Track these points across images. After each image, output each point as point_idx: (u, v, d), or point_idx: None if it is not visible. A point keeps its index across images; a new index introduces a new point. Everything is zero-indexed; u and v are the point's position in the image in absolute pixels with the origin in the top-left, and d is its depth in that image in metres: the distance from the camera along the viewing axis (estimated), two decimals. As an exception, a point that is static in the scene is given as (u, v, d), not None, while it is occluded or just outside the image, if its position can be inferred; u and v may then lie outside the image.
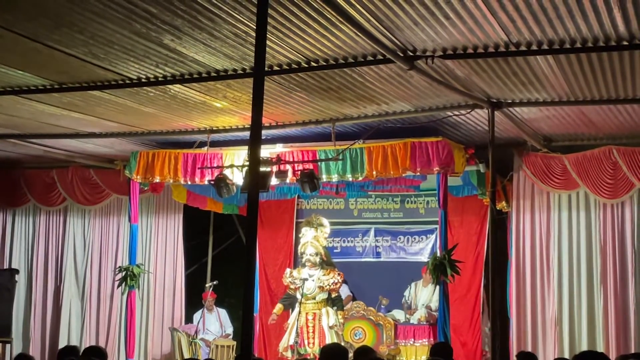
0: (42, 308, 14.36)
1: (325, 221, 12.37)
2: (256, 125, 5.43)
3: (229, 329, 13.28)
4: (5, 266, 14.36)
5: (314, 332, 11.69)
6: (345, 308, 12.26)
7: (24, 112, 10.07)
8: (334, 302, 11.86)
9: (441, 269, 10.27)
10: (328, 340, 11.35)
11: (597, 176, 11.29)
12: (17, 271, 13.90)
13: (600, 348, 10.85)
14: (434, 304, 12.52)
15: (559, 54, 7.33)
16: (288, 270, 12.51)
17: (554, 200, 11.74)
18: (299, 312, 11.62)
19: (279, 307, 12.32)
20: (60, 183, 14.10)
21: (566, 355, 10.89)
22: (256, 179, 5.54)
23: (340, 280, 11.97)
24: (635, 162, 11.03)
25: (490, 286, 10.25)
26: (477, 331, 12.78)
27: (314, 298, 11.78)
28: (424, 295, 12.79)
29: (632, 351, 10.47)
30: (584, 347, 10.94)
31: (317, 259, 12.01)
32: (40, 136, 11.74)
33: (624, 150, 11.11)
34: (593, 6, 6.11)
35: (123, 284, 11.87)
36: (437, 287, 11.97)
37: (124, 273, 11.87)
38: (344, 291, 13.40)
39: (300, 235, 12.54)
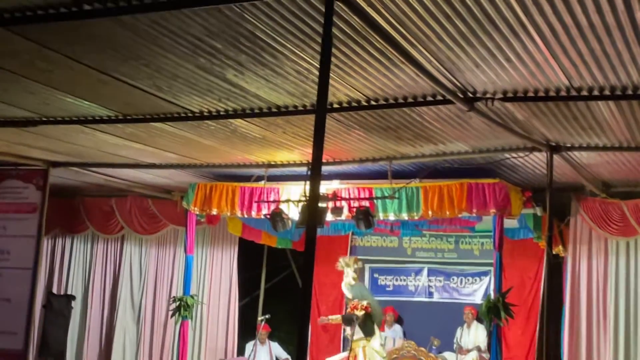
0: (96, 334, 14.53)
1: (347, 260, 12.39)
2: (316, 161, 5.47)
3: (283, 356, 13.28)
4: (62, 292, 14.59)
5: None
6: (394, 347, 12.25)
7: (88, 141, 10.28)
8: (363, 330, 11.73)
9: (495, 311, 10.18)
10: None
11: (656, 224, 11.13)
12: (73, 297, 14.12)
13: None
14: (483, 344, 12.44)
15: (620, 99, 7.27)
16: None
17: (612, 247, 11.57)
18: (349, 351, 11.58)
19: (337, 317, 12.31)
20: (118, 212, 14.32)
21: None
22: (315, 215, 5.56)
23: (359, 306, 11.75)
24: (696, 210, 10.86)
25: (545, 332, 10.09)
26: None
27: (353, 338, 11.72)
28: (470, 337, 12.67)
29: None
30: (640, 398, 10.73)
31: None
32: (102, 165, 11.99)
33: (684, 198, 10.96)
34: (657, 53, 6.08)
35: (177, 314, 11.98)
36: (482, 326, 11.92)
37: (178, 303, 12.00)
38: (397, 331, 13.32)
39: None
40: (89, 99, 8.38)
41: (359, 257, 14.18)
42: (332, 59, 6.23)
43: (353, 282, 12.17)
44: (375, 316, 11.79)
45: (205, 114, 8.68)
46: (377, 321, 11.95)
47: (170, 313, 12.51)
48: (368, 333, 11.66)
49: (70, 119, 9.25)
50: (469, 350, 12.52)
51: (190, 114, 8.74)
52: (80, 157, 11.59)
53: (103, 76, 7.44)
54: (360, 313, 11.58)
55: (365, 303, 11.70)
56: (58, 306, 13.65)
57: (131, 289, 14.51)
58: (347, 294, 12.26)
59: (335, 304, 14.24)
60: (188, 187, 12.01)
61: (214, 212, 11.80)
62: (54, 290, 14.61)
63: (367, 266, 14.48)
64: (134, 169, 11.97)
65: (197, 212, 11.93)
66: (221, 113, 8.63)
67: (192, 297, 12.15)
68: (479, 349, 12.48)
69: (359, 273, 12.78)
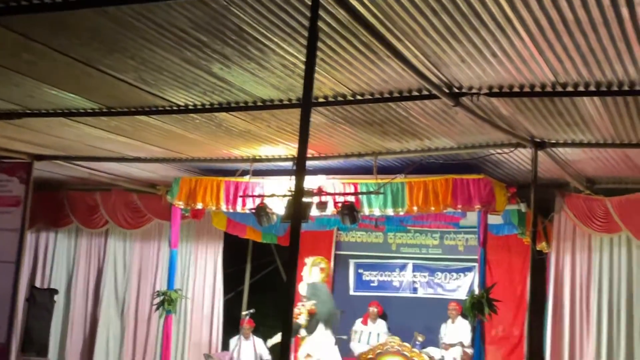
0: (79, 329, 14.48)
1: (314, 259, 12.88)
2: (301, 155, 5.46)
3: (266, 357, 13.27)
4: (45, 286, 14.53)
5: None
6: (378, 342, 12.39)
7: (72, 134, 10.24)
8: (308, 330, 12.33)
9: (479, 307, 10.21)
10: None
11: (640, 220, 11.18)
12: (56, 291, 14.06)
13: (638, 395, 10.69)
14: (466, 339, 12.47)
15: (605, 96, 7.29)
16: None
17: (596, 243, 11.62)
18: None
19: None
20: (103, 206, 14.27)
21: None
22: (299, 209, 5.55)
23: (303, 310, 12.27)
24: (680, 207, 10.91)
25: (527, 327, 10.13)
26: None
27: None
28: (454, 331, 12.70)
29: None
30: (622, 393, 10.78)
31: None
32: (86, 159, 11.93)
33: (668, 196, 11.01)
34: (642, 49, 6.10)
35: (160, 308, 11.95)
36: (466, 321, 12.00)
37: (161, 297, 11.97)
38: (381, 327, 13.39)
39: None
40: (74, 91, 8.34)
41: (344, 252, 14.33)
42: (318, 52, 6.25)
43: (312, 281, 12.40)
44: (320, 315, 12.18)
45: (191, 107, 8.66)
46: (323, 320, 12.33)
47: (154, 307, 12.47)
48: (311, 331, 11.96)
49: (54, 112, 9.21)
50: (452, 346, 12.54)
51: (175, 108, 8.71)
52: (65, 151, 11.54)
53: (88, 68, 7.40)
54: (303, 318, 12.12)
55: (310, 305, 11.97)
56: (41, 300, 13.60)
57: (115, 283, 14.46)
58: (301, 292, 12.51)
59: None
60: (173, 181, 11.98)
61: (199, 206, 11.78)
62: (37, 284, 14.53)
63: (351, 262, 14.50)
64: (119, 162, 11.92)
65: (182, 207, 11.90)
66: (206, 107, 8.61)
67: (176, 291, 12.12)
68: (462, 345, 12.51)
69: (329, 272, 12.97)
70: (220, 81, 7.66)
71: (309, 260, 13.22)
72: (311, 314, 11.98)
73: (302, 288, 12.68)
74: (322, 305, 12.42)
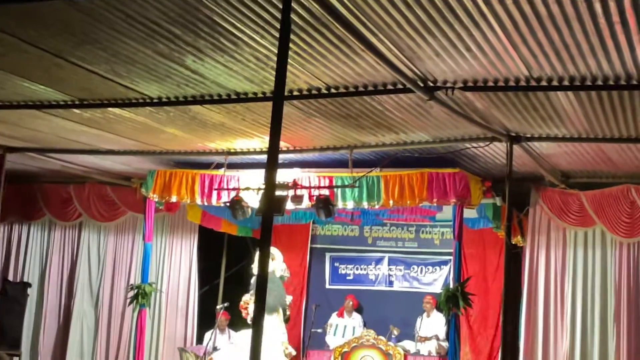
0: (52, 322, 14.37)
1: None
2: (274, 148, 5.43)
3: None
4: (18, 279, 14.41)
5: None
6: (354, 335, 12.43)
7: (44, 126, 10.13)
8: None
9: (454, 300, 10.23)
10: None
11: (614, 214, 11.22)
12: (29, 285, 13.95)
13: (611, 388, 10.76)
14: (442, 333, 12.52)
15: (579, 90, 7.30)
16: None
17: (570, 237, 11.66)
18: None
19: None
20: (76, 198, 14.16)
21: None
22: (271, 203, 5.52)
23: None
24: (653, 202, 10.97)
25: (502, 320, 10.16)
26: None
27: None
28: (429, 325, 12.72)
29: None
30: (595, 386, 10.85)
31: None
32: (59, 151, 11.81)
33: (642, 190, 11.06)
34: (615, 44, 6.09)
35: (134, 302, 11.88)
36: (441, 315, 12.04)
37: (135, 291, 11.90)
38: (357, 320, 13.43)
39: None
40: (45, 83, 8.25)
41: (319, 245, 14.32)
42: (292, 45, 6.20)
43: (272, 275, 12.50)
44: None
45: (164, 100, 8.59)
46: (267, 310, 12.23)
47: (128, 301, 12.40)
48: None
49: (25, 104, 9.11)
50: (428, 339, 12.57)
51: (148, 100, 8.63)
52: (37, 143, 11.42)
53: (59, 60, 7.32)
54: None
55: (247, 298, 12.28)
56: (13, 293, 13.49)
57: (89, 277, 14.36)
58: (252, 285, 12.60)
59: (296, 292, 14.21)
60: (147, 174, 11.90)
61: (174, 199, 11.72)
62: (10, 278, 14.40)
63: (327, 255, 14.49)
64: (92, 155, 11.82)
65: (156, 200, 11.83)
66: (180, 99, 8.55)
67: (150, 285, 12.06)
68: (437, 338, 12.55)
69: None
70: (193, 74, 7.60)
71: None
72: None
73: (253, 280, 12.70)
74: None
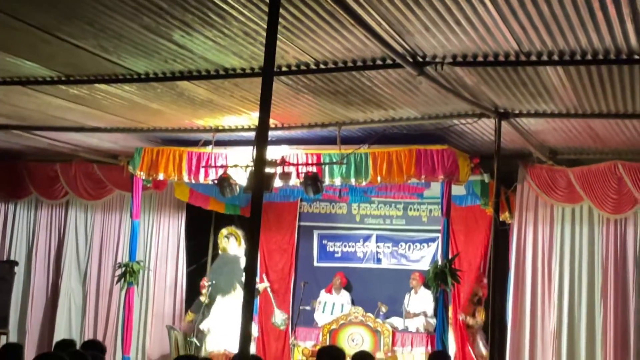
0: (40, 301, 14.33)
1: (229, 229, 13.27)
2: (263, 125, 5.40)
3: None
4: (5, 258, 14.34)
5: None
6: (342, 313, 12.46)
7: (30, 103, 10.04)
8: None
9: (442, 277, 10.25)
10: None
11: (601, 191, 11.25)
12: (16, 263, 13.89)
13: (598, 363, 10.83)
14: (429, 309, 12.57)
15: (569, 65, 7.29)
16: None
17: (558, 213, 11.69)
18: None
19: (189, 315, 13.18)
20: (63, 177, 14.07)
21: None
22: (261, 180, 5.50)
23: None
24: (641, 178, 10.99)
25: (491, 297, 10.21)
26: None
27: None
28: (417, 302, 12.77)
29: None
30: (582, 361, 10.92)
31: None
32: (45, 128, 11.70)
33: (629, 166, 11.07)
34: (606, 17, 6.07)
35: (122, 280, 11.87)
36: (429, 291, 12.08)
37: (123, 269, 11.88)
38: (345, 297, 13.48)
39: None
40: (31, 59, 8.16)
41: (307, 223, 14.33)
42: (281, 20, 6.16)
43: (230, 253, 12.86)
44: (216, 288, 12.61)
45: (151, 75, 8.51)
46: (220, 291, 12.66)
47: (116, 279, 12.37)
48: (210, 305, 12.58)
49: (11, 80, 9.00)
50: (416, 315, 12.62)
51: (135, 76, 8.55)
52: (23, 120, 11.32)
53: (45, 35, 7.24)
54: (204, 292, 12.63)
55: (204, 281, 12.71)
56: (0, 272, 13.42)
57: (77, 255, 14.31)
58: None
59: (284, 270, 14.24)
60: (134, 151, 11.83)
61: (161, 177, 11.66)
62: (-4, 256, 14.36)
63: (315, 232, 14.49)
64: (79, 132, 11.72)
65: (144, 177, 11.77)
66: (167, 75, 8.47)
67: (138, 263, 12.03)
68: (425, 314, 12.60)
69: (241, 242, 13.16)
70: (181, 49, 7.54)
71: (224, 231, 13.25)
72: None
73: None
74: (221, 277, 12.55)
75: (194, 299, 13.59)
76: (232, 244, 12.97)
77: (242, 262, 12.78)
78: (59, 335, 13.62)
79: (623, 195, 11.16)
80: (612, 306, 11.16)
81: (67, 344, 7.50)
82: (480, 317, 12.37)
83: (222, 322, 12.24)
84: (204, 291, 12.92)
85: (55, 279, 14.35)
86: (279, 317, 12.99)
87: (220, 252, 13.20)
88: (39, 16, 6.80)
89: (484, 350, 12.32)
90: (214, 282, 12.68)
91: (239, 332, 5.14)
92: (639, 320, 11.07)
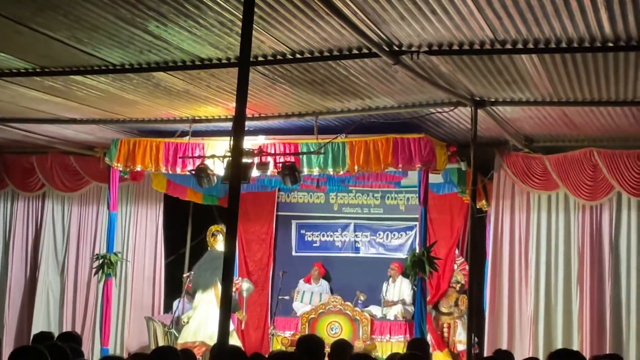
0: (17, 293, 14.26)
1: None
2: (240, 115, 5.40)
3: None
4: (-19, 251, 14.27)
5: None
6: (321, 302, 12.52)
7: (5, 95, 9.97)
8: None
9: (420, 265, 10.30)
10: None
11: (577, 178, 11.32)
12: (-8, 255, 13.82)
13: (575, 347, 10.88)
14: (408, 297, 12.62)
15: (544, 53, 7.33)
16: None
17: (534, 201, 11.77)
18: None
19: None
20: (39, 169, 13.98)
21: (541, 354, 10.94)
22: (238, 170, 5.50)
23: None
24: (615, 164, 11.06)
25: (468, 284, 10.27)
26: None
27: None
28: (395, 290, 12.81)
29: (607, 351, 10.53)
30: (560, 346, 10.98)
31: None
32: (21, 120, 11.63)
33: (604, 153, 11.15)
34: (580, 6, 6.11)
35: (100, 272, 11.83)
36: (407, 280, 12.11)
37: (101, 261, 11.84)
38: (323, 287, 13.52)
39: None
40: (5, 50, 8.11)
41: (285, 213, 14.34)
42: (256, 10, 6.14)
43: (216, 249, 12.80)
44: (195, 284, 12.61)
45: (127, 66, 8.49)
46: (200, 287, 12.59)
47: (94, 271, 12.33)
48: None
49: (-15, 72, 8.95)
50: (394, 303, 12.67)
51: (111, 67, 8.53)
52: (-2, 112, 11.26)
53: (19, 27, 7.20)
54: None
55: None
56: (-23, 265, 13.36)
57: (54, 248, 14.24)
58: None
59: (262, 260, 14.25)
60: (111, 143, 11.78)
61: (138, 168, 11.63)
62: (-27, 249, 14.26)
63: (293, 222, 14.50)
64: (55, 124, 11.67)
65: (121, 169, 11.74)
66: (143, 66, 8.45)
67: (116, 254, 12.00)
68: (403, 302, 12.66)
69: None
70: (156, 39, 7.51)
71: (212, 228, 13.29)
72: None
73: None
74: (206, 272, 12.58)
75: (173, 289, 13.59)
76: (219, 241, 12.93)
77: None
78: (38, 327, 13.54)
79: (598, 182, 11.24)
80: (588, 291, 11.25)
81: (45, 336, 7.46)
82: (464, 305, 12.42)
83: (202, 315, 12.22)
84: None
85: (32, 271, 14.28)
86: (245, 284, 13.01)
87: (209, 248, 13.14)
88: (12, 7, 6.75)
89: (463, 337, 12.38)
90: (196, 275, 12.62)
91: (218, 322, 5.15)
92: (615, 304, 11.18)
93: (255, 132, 11.11)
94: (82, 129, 11.97)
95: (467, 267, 12.65)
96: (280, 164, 10.68)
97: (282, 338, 12.28)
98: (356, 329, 12.08)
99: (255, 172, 10.74)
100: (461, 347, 12.31)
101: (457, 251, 12.89)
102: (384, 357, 11.45)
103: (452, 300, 12.66)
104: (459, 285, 12.79)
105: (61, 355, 5.39)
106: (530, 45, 7.18)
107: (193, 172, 11.10)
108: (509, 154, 11.75)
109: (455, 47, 7.39)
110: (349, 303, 12.32)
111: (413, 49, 7.49)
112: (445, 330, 12.62)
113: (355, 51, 7.68)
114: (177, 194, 13.29)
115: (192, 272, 12.80)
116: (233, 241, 5.38)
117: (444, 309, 12.74)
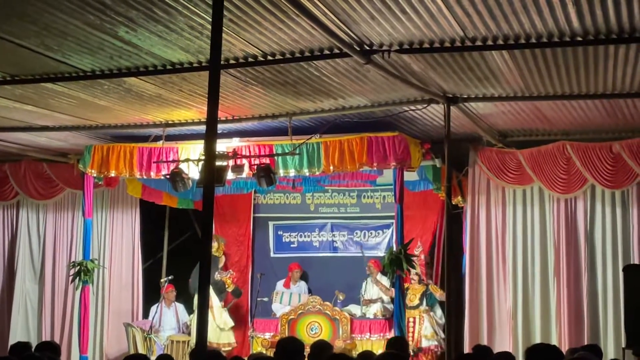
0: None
1: None
2: (212, 118, 5.40)
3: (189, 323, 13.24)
4: (-44, 261, 14.13)
5: None
6: (300, 303, 12.51)
7: (-25, 104, 9.91)
8: None
9: (397, 263, 10.32)
10: None
11: (551, 171, 11.39)
12: (-32, 266, 13.69)
13: (553, 341, 10.98)
14: (386, 296, 12.62)
15: (514, 49, 7.38)
16: None
17: (509, 195, 11.82)
18: None
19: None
20: (12, 177, 13.87)
21: (520, 348, 11.01)
22: (212, 174, 5.49)
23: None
24: (588, 157, 11.13)
25: (446, 280, 10.31)
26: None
27: None
28: (374, 289, 12.80)
29: (585, 342, 10.58)
30: (538, 340, 11.04)
31: None
32: (-8, 129, 11.56)
33: (577, 146, 11.22)
34: (548, 1, 6.15)
35: (77, 280, 11.76)
36: (385, 277, 12.10)
37: (77, 268, 11.77)
38: (302, 287, 13.51)
39: None
40: (-28, 59, 8.05)
41: (262, 214, 14.33)
42: (226, 12, 6.13)
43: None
44: (194, 289, 12.67)
45: (98, 73, 8.46)
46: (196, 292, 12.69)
47: (70, 278, 12.25)
48: None
49: (-46, 82, 8.87)
50: (373, 302, 12.68)
51: (81, 74, 8.50)
52: (-32, 122, 11.16)
53: (-14, 35, 7.14)
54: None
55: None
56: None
57: (30, 256, 14.13)
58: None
59: (241, 262, 14.21)
60: (84, 149, 11.71)
61: (112, 174, 11.57)
62: (-53, 260, 14.11)
63: (270, 224, 14.47)
64: (27, 132, 11.59)
65: (95, 175, 11.67)
66: (114, 72, 8.43)
67: (92, 261, 11.93)
68: (382, 300, 12.66)
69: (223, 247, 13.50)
70: (126, 45, 7.48)
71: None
72: None
73: None
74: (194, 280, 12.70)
75: (152, 295, 13.54)
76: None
77: (220, 262, 13.33)
78: (16, 336, 13.46)
79: (572, 175, 11.31)
80: (565, 284, 11.32)
81: (22, 346, 7.42)
82: (437, 292, 12.33)
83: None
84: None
85: (9, 280, 14.16)
86: (224, 273, 13.11)
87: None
88: (-21, 16, 6.70)
89: (429, 332, 12.29)
90: (195, 278, 12.64)
91: (196, 320, 5.15)
92: (592, 295, 11.25)
93: (229, 134, 11.09)
94: (55, 136, 11.90)
95: (422, 257, 12.70)
96: (255, 166, 10.66)
97: (262, 340, 12.25)
98: (336, 328, 12.07)
99: (230, 175, 10.71)
100: (426, 342, 12.24)
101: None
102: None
103: (419, 292, 12.55)
104: (417, 277, 12.69)
105: (38, 365, 5.36)
106: (500, 42, 7.22)
107: (168, 176, 11.06)
108: (483, 150, 11.80)
109: (426, 45, 7.42)
110: (328, 303, 12.32)
111: (384, 48, 7.52)
112: (411, 325, 12.47)
113: (326, 51, 7.70)
114: (153, 199, 13.24)
115: (191, 278, 12.86)
116: (208, 244, 5.38)
117: (408, 303, 12.66)
